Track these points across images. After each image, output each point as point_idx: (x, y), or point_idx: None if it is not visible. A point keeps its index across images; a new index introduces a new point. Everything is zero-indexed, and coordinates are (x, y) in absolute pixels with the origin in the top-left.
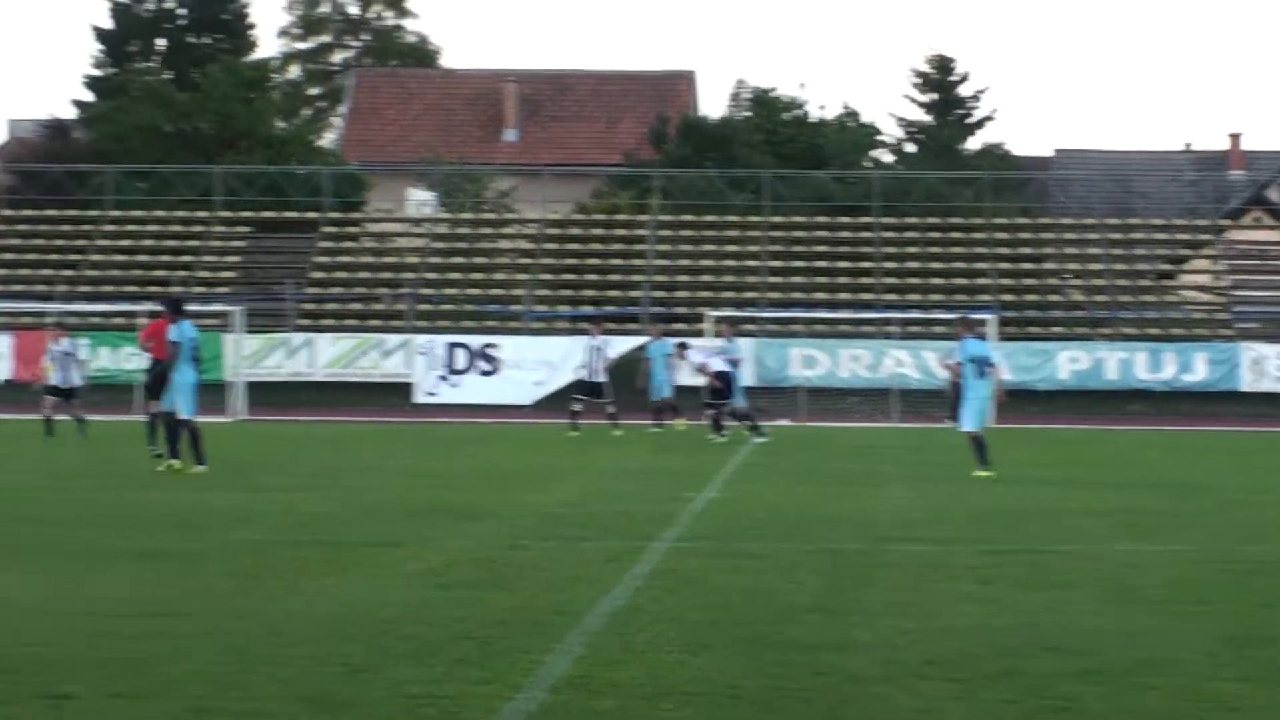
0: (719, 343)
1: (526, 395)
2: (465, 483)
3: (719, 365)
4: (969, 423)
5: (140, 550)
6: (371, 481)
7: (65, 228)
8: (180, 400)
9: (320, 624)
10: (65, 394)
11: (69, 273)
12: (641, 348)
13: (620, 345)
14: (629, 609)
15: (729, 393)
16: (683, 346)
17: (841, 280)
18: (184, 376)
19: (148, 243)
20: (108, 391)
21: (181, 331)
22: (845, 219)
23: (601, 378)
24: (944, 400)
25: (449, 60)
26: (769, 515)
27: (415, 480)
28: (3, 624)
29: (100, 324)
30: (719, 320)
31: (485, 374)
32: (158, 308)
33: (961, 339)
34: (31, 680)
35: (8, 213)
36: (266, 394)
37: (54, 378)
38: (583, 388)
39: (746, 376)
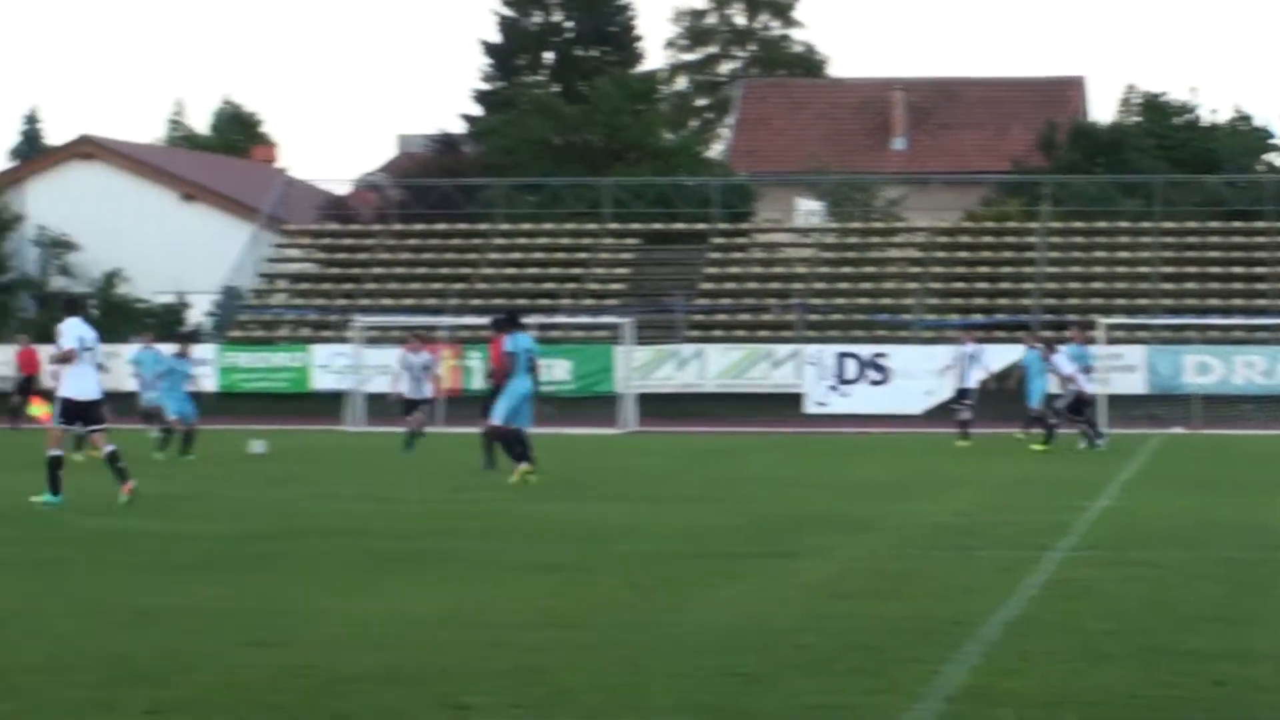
0: (1067, 348)
1: (917, 405)
2: (857, 493)
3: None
4: None
5: (536, 562)
6: (764, 492)
7: (455, 242)
8: (504, 407)
9: (715, 634)
10: (414, 405)
11: (460, 286)
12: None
13: (1001, 355)
14: (1024, 618)
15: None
16: (1049, 348)
17: (1235, 286)
18: (518, 386)
19: (537, 256)
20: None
21: (516, 343)
22: (1238, 224)
23: (969, 385)
24: None
25: (836, 69)
26: (1165, 524)
27: (807, 490)
28: (405, 635)
29: (491, 337)
30: (1071, 325)
31: (875, 383)
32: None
33: None
34: (433, 690)
35: (398, 227)
36: (657, 405)
37: (406, 388)
38: (963, 394)
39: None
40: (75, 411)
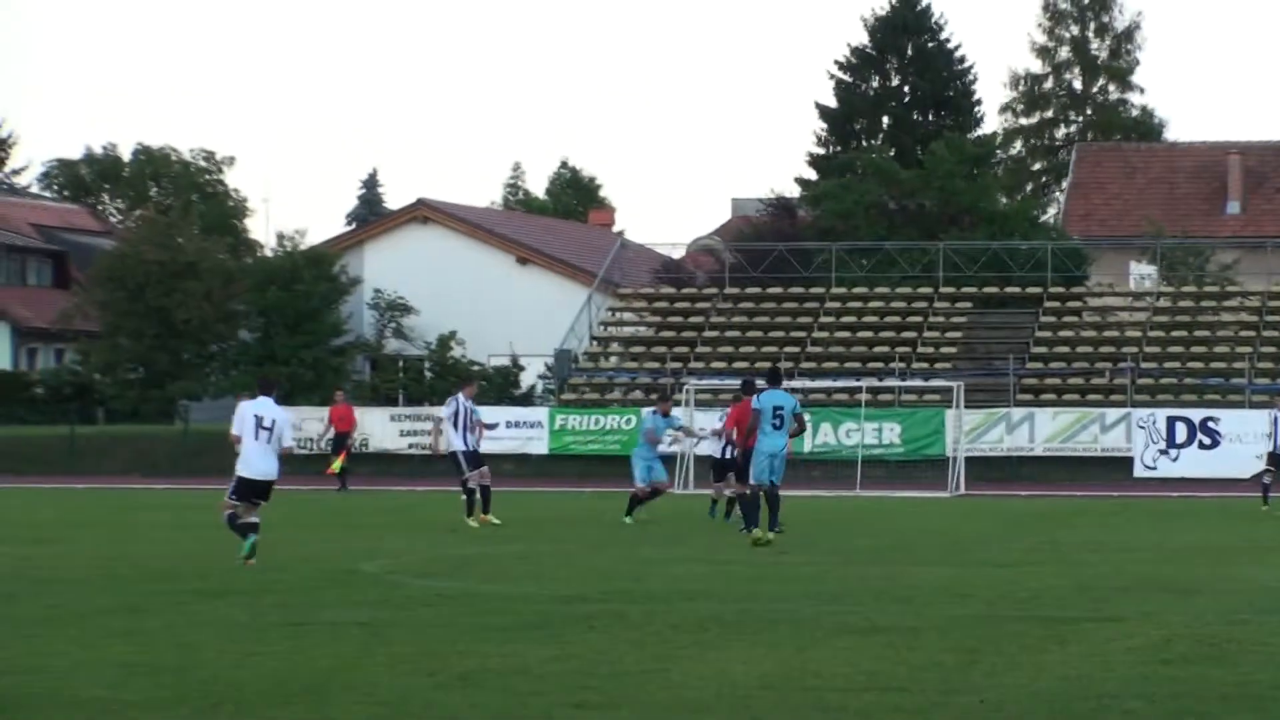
0: None
1: (1247, 469)
2: (1184, 557)
3: None
4: None
5: (859, 625)
6: (1090, 556)
7: (788, 305)
8: (755, 466)
9: (1040, 699)
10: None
11: (793, 349)
12: None
13: None
14: None
15: None
16: None
17: None
18: (763, 444)
19: (870, 319)
20: (826, 466)
21: (760, 400)
22: None
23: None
24: None
25: (1174, 132)
26: None
27: (1134, 554)
28: (728, 697)
29: (822, 400)
30: None
31: (1205, 447)
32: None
33: None
34: None
35: (732, 291)
36: (986, 468)
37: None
38: (1274, 459)
39: None
40: (249, 490)
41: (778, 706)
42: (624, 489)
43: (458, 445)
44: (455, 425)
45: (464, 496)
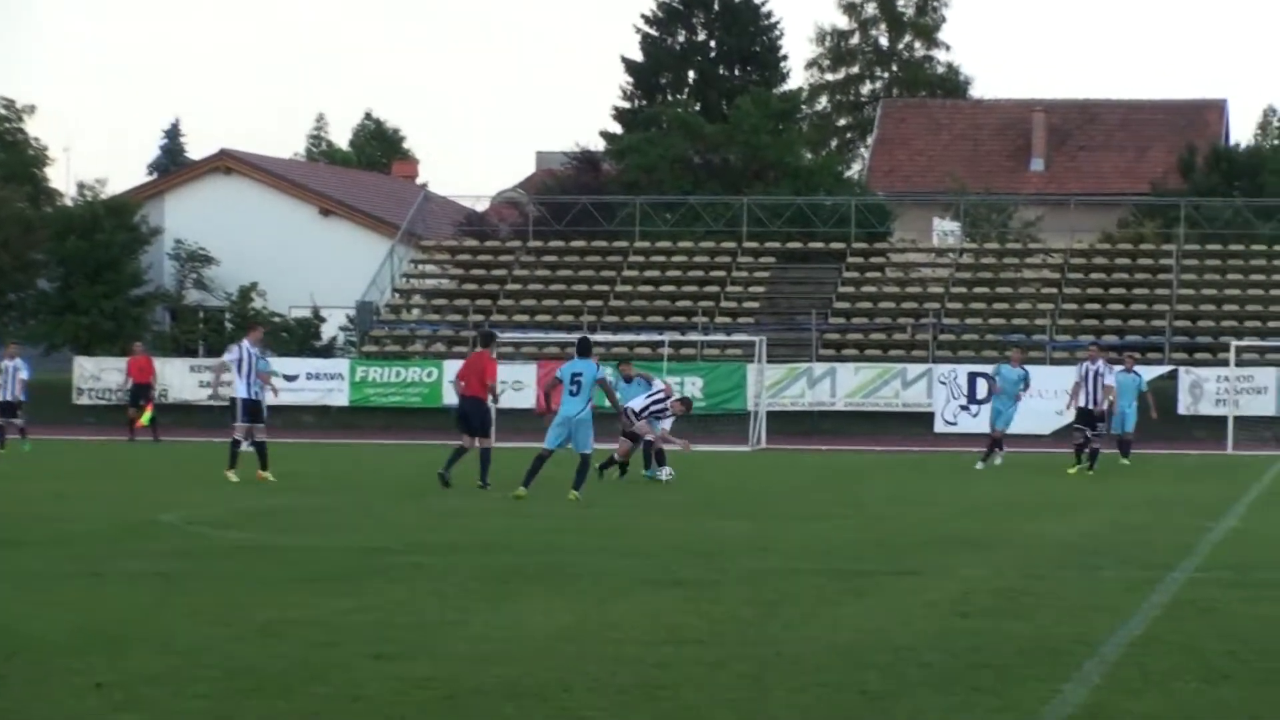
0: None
1: (1047, 425)
2: (983, 512)
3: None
4: None
5: (661, 579)
6: (890, 510)
7: (592, 259)
8: (550, 430)
9: (838, 652)
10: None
11: (595, 303)
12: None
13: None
14: (1147, 638)
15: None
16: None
17: None
18: (561, 410)
19: (673, 273)
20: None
21: (562, 368)
22: None
23: (1093, 404)
24: None
25: (979, 90)
26: None
27: (933, 509)
28: (528, 649)
29: (625, 355)
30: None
31: None
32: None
33: None
34: (554, 705)
35: (535, 244)
36: (787, 423)
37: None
38: (1084, 416)
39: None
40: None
41: (577, 658)
42: (425, 441)
43: (240, 393)
44: (240, 372)
45: (231, 447)
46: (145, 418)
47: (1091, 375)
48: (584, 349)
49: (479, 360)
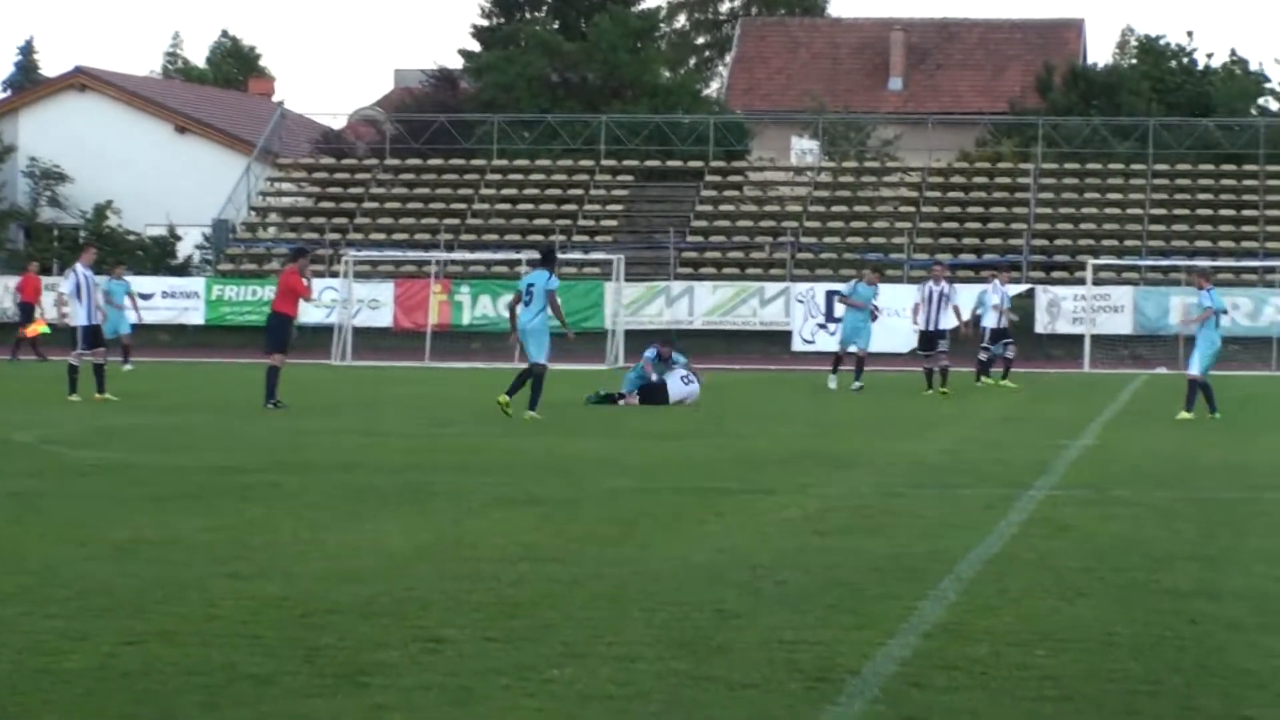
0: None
1: (904, 344)
2: (841, 430)
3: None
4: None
5: (517, 497)
6: (747, 428)
7: (450, 177)
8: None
9: (695, 570)
10: None
11: (453, 221)
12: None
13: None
14: (1003, 556)
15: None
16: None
17: (1224, 229)
18: (522, 317)
19: (531, 192)
20: (486, 338)
21: (525, 279)
22: (1229, 166)
23: (941, 325)
24: None
25: (837, 9)
26: (1145, 463)
27: (790, 427)
28: (383, 568)
29: (482, 273)
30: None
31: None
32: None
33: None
34: (410, 623)
35: (393, 162)
36: (645, 341)
37: None
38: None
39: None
40: None
41: (433, 576)
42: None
43: (80, 320)
44: (80, 298)
45: (69, 373)
46: (38, 328)
47: (937, 296)
48: (542, 259)
49: (285, 277)
